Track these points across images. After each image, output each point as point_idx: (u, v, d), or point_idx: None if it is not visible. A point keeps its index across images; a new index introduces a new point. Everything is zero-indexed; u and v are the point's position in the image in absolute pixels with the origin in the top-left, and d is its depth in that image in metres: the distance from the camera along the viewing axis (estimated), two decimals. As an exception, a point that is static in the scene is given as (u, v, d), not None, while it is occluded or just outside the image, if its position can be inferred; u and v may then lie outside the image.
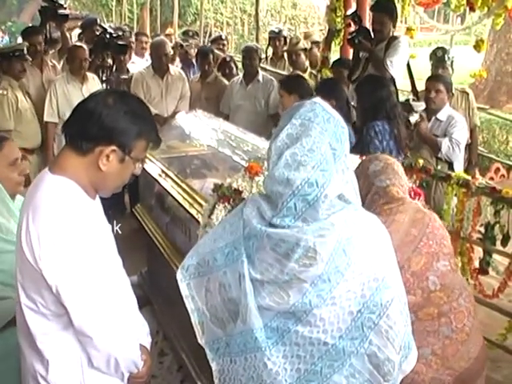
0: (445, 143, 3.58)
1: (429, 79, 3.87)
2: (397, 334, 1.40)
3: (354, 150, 2.99)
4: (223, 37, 7.10)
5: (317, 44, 5.85)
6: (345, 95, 3.55)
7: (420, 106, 3.93)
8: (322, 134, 1.36)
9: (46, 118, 4.43)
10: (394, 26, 4.35)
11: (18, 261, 1.50)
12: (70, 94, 4.46)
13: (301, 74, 4.71)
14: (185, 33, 8.08)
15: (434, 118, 3.76)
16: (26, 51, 4.44)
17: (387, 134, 3.05)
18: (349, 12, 4.59)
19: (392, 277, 1.43)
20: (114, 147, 1.47)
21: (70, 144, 1.50)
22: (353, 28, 4.40)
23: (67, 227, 1.41)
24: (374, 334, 1.38)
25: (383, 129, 3.06)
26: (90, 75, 4.65)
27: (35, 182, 1.53)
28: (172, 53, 6.09)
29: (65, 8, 5.84)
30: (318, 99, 1.44)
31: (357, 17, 4.27)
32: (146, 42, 6.79)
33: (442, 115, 3.72)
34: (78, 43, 5.01)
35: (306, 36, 5.92)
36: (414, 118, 3.64)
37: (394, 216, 1.91)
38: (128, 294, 1.65)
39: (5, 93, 4.13)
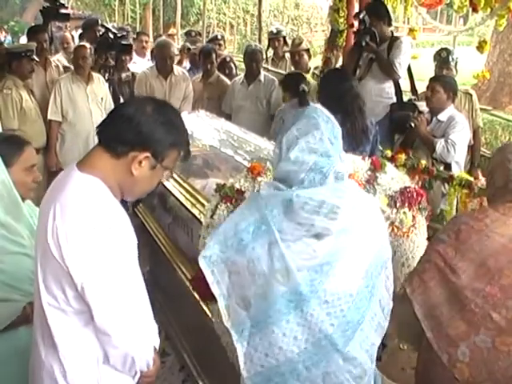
0: (440, 143, 3.56)
1: (429, 80, 3.86)
2: (391, 284, 1.70)
3: None
4: (219, 37, 7.12)
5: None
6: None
7: (423, 105, 3.94)
8: (326, 130, 1.62)
9: (49, 116, 4.44)
10: (390, 25, 4.35)
11: (40, 257, 1.51)
12: (74, 93, 4.47)
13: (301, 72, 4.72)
14: (187, 33, 8.11)
15: (435, 118, 3.75)
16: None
17: None
18: (353, 13, 4.59)
19: (387, 238, 1.71)
20: (147, 154, 1.51)
21: (105, 145, 1.53)
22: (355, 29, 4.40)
23: (95, 226, 1.43)
24: (379, 282, 1.64)
25: None
26: (96, 76, 4.67)
27: (60, 178, 1.56)
28: (179, 56, 6.10)
29: (66, 8, 5.86)
30: (317, 105, 1.73)
31: (365, 16, 4.24)
32: (147, 42, 6.80)
33: (443, 116, 3.71)
34: (82, 43, 5.02)
35: None
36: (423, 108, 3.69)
37: (507, 218, 1.81)
38: (144, 295, 1.67)
39: (9, 92, 4.13)
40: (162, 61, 4.90)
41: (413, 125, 3.72)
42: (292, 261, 1.53)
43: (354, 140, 3.10)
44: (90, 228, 1.43)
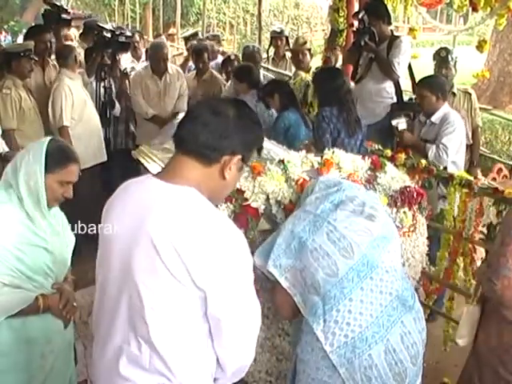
0: (431, 151, 3.49)
1: (416, 85, 3.81)
2: None
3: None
4: (210, 37, 7.14)
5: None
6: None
7: None
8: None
9: (64, 122, 4.23)
10: (389, 24, 4.35)
11: (146, 279, 1.42)
12: (80, 92, 4.38)
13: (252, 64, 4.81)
14: (188, 38, 7.92)
15: (428, 121, 3.70)
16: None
17: (334, 118, 3.42)
18: (353, 12, 4.58)
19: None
20: (239, 156, 1.51)
21: (195, 154, 1.49)
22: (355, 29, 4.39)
23: (216, 234, 1.42)
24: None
25: (331, 114, 3.44)
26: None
27: (145, 192, 1.51)
28: (187, 55, 6.09)
29: (68, 12, 5.84)
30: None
31: (364, 15, 4.23)
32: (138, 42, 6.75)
33: (435, 118, 3.63)
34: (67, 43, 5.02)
35: None
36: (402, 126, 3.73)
37: None
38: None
39: (8, 92, 4.11)
40: (157, 62, 4.93)
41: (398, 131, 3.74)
42: (353, 237, 1.70)
43: (349, 129, 3.44)
44: (211, 236, 1.40)
